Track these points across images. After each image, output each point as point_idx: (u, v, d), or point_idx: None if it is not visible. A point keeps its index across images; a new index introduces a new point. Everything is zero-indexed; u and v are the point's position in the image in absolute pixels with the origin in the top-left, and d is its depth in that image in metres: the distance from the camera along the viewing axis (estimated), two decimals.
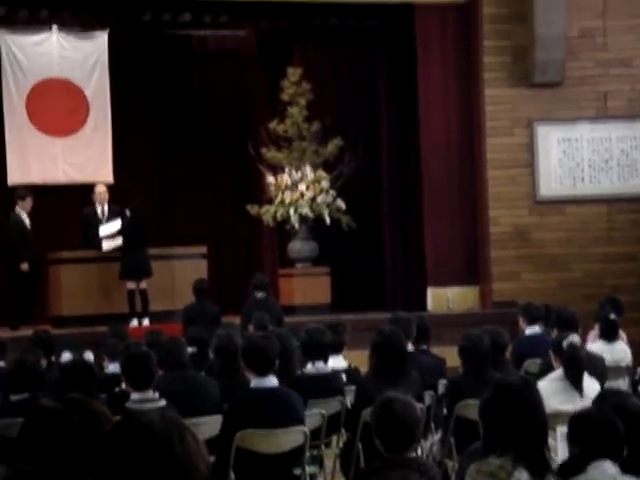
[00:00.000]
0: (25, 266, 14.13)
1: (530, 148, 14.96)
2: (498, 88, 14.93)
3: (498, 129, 14.93)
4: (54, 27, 15.89)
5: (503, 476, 3.80)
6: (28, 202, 14.50)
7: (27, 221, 14.47)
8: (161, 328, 11.78)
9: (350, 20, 16.20)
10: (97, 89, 16.19)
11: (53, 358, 8.61)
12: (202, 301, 12.23)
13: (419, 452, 5.97)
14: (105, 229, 14.31)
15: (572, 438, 4.18)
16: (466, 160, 15.29)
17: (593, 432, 4.05)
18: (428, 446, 7.31)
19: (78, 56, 16.06)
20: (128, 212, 14.10)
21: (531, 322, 9.56)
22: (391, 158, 16.51)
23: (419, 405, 5.69)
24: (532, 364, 8.56)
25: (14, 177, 15.81)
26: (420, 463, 4.50)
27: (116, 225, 14.21)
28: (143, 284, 13.88)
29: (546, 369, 7.24)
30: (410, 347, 8.04)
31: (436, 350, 9.15)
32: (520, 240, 14.88)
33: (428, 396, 7.43)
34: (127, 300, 13.79)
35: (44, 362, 7.65)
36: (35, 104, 15.91)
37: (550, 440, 4.09)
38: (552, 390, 6.32)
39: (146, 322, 13.62)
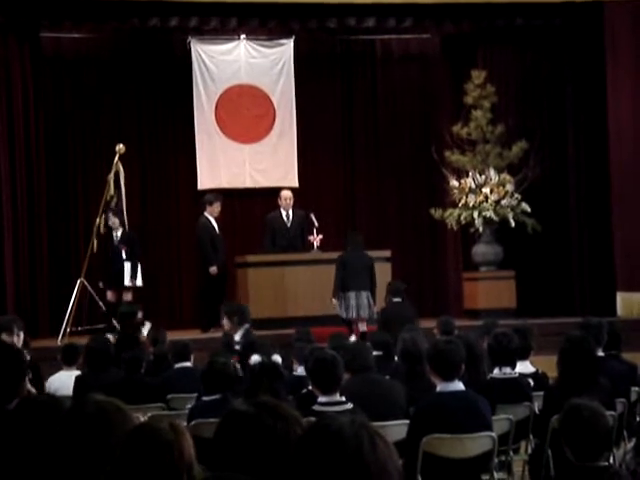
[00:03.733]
0: (214, 269, 14.48)
1: None
2: None
3: None
4: (242, 36, 16.27)
5: None
6: (216, 207, 14.84)
7: (215, 225, 14.81)
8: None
9: (535, 20, 15.96)
10: (283, 95, 16.48)
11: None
12: (398, 303, 12.27)
13: (611, 461, 5.83)
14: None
15: None
16: None
17: None
18: (621, 455, 7.12)
19: (265, 63, 16.39)
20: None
21: None
22: (578, 160, 16.17)
23: (610, 413, 5.55)
24: None
25: (204, 182, 16.26)
26: (613, 472, 4.39)
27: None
28: None
29: None
30: (600, 353, 7.85)
31: (626, 357, 8.91)
32: None
33: (619, 404, 7.23)
34: None
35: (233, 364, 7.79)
36: (223, 111, 16.31)
37: None
38: None
39: None
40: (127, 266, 14.30)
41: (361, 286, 13.17)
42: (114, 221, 14.38)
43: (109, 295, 14.39)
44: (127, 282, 14.33)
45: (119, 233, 14.42)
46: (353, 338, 12.13)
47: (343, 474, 2.24)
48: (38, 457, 3.56)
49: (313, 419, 3.00)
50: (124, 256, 14.31)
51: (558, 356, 7.00)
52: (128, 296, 14.37)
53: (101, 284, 14.43)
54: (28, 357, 8.46)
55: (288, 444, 2.66)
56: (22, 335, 8.70)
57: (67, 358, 8.87)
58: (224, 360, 7.18)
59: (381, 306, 12.60)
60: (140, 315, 11.68)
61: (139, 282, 14.51)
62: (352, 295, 13.17)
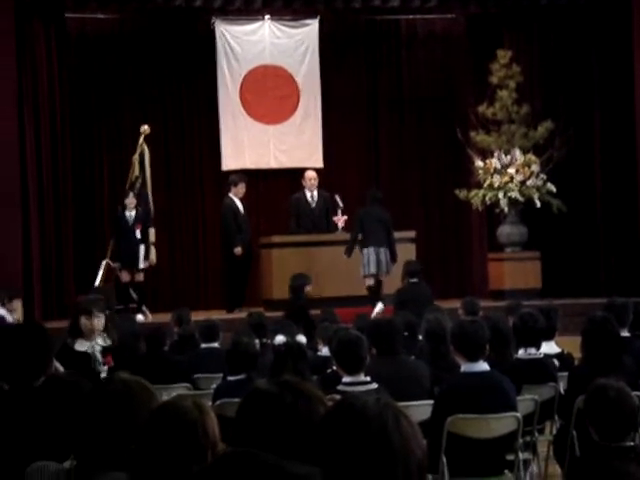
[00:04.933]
0: (238, 250, 14.49)
1: None
2: None
3: None
4: (267, 16, 16.22)
5: None
6: (241, 188, 14.84)
7: (240, 206, 14.81)
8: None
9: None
10: (308, 76, 16.45)
11: (267, 340, 8.77)
12: (415, 284, 12.23)
13: (637, 441, 5.81)
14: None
15: None
16: None
17: None
18: None
19: (290, 43, 16.36)
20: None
21: None
22: (604, 140, 16.08)
23: (635, 393, 5.53)
24: None
25: (228, 163, 16.27)
26: (639, 452, 4.37)
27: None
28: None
29: None
30: (626, 333, 7.82)
31: None
32: None
33: None
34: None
35: (257, 344, 7.79)
36: (248, 92, 16.30)
37: None
38: None
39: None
40: (142, 248, 14.34)
41: (380, 242, 13.30)
42: (131, 201, 14.39)
43: (123, 276, 14.42)
44: (142, 264, 14.39)
45: (133, 213, 14.42)
46: None
47: (367, 453, 2.24)
48: (63, 434, 3.59)
49: (338, 397, 3.00)
50: (138, 236, 14.32)
51: (581, 337, 6.97)
52: (140, 277, 14.43)
53: (117, 265, 14.45)
54: (109, 342, 8.03)
55: (310, 423, 2.66)
56: (103, 318, 7.76)
57: None
58: (248, 340, 7.19)
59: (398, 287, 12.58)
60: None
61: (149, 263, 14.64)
62: (372, 251, 13.32)
